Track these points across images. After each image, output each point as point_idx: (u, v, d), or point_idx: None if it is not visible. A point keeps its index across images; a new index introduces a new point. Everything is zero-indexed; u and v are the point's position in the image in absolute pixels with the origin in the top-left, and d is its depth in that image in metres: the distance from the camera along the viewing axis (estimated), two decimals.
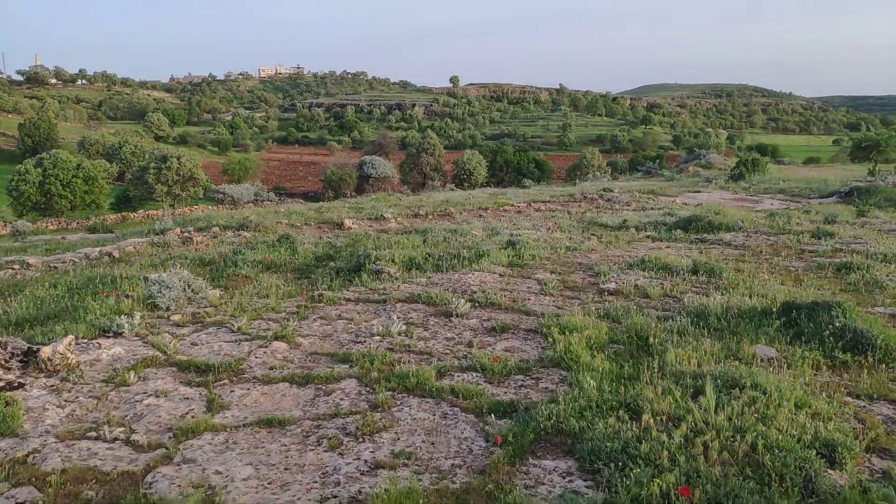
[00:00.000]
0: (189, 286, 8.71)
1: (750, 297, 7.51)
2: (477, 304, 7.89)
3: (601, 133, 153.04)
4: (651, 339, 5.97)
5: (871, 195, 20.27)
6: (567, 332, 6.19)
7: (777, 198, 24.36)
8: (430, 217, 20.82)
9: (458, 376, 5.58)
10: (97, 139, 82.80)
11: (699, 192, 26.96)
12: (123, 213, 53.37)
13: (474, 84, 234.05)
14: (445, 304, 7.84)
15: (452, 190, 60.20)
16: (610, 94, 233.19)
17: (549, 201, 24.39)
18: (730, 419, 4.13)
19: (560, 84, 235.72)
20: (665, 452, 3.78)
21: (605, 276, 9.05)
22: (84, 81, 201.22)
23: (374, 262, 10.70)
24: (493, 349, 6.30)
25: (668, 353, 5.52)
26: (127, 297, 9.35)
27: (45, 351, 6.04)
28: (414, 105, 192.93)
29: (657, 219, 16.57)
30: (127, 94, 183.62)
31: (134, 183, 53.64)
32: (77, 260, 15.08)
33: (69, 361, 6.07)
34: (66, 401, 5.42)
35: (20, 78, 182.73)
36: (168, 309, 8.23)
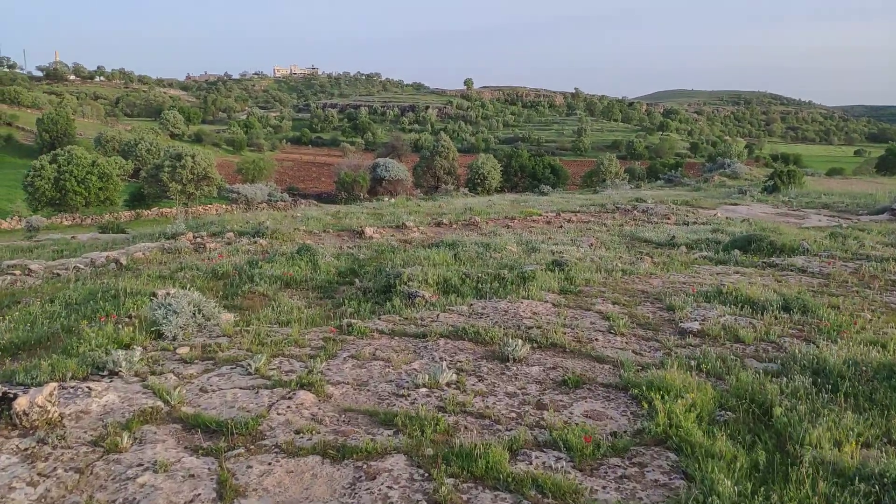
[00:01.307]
0: (199, 310, 7.58)
1: (865, 347, 6.25)
2: (535, 345, 6.68)
3: (617, 139, 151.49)
4: (776, 410, 4.74)
5: None
6: (664, 395, 4.97)
7: (822, 213, 22.99)
8: (455, 226, 19.66)
9: (537, 457, 4.37)
10: (113, 136, 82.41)
11: (737, 204, 25.62)
12: (137, 211, 52.76)
13: (488, 87, 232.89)
14: (498, 343, 6.65)
15: (467, 195, 59.03)
16: (626, 100, 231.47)
17: (578, 211, 23.15)
18: None
19: (575, 88, 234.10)
20: None
21: (679, 310, 7.81)
22: (102, 78, 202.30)
23: (405, 283, 9.54)
24: (571, 413, 5.09)
25: (805, 433, 4.30)
26: (129, 318, 8.25)
27: (21, 403, 4.91)
28: (427, 107, 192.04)
29: (706, 235, 15.30)
30: (144, 91, 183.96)
31: (148, 181, 52.85)
32: (82, 266, 14.05)
33: (50, 416, 4.93)
34: (40, 475, 4.28)
35: (40, 74, 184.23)
36: (174, 339, 7.09)
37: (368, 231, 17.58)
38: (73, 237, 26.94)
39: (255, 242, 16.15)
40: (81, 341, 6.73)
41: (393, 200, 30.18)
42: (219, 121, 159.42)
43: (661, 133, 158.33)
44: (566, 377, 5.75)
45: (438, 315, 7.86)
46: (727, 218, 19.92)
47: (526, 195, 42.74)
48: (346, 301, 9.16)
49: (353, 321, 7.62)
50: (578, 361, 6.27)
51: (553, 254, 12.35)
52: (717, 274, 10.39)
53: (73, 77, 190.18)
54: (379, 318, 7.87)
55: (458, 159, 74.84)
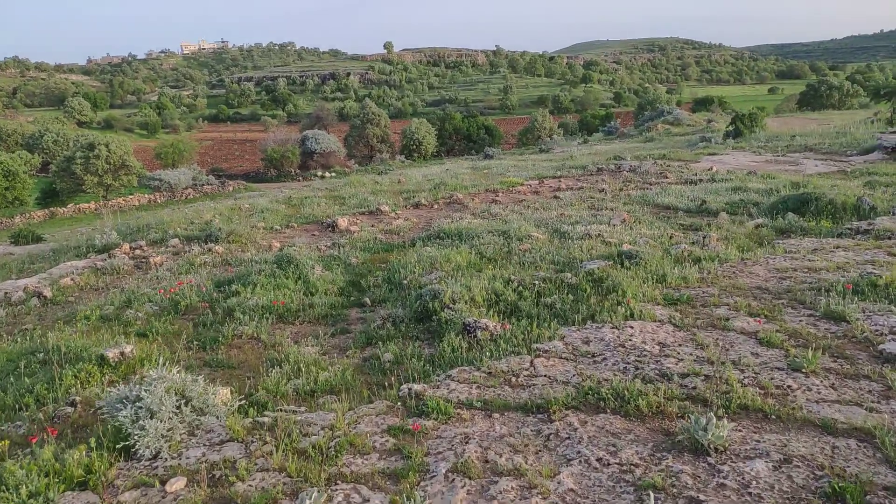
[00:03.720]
0: (185, 400, 5.00)
1: None
2: (719, 410, 4.45)
3: (542, 94, 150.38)
4: None
5: None
6: None
7: (810, 157, 21.68)
8: (436, 207, 17.20)
9: None
10: (15, 129, 74.94)
11: (715, 153, 24.04)
12: (51, 209, 47.64)
13: (409, 49, 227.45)
14: (662, 415, 4.41)
15: (404, 162, 56.23)
16: (547, 54, 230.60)
17: (559, 177, 21.05)
18: None
19: (496, 45, 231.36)
20: None
21: (852, 320, 5.77)
22: None
23: (448, 306, 7.17)
24: None
25: None
26: (73, 406, 5.66)
27: None
28: (349, 74, 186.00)
29: (733, 196, 13.44)
30: (43, 79, 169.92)
31: (60, 175, 47.69)
32: None
33: None
34: None
35: None
36: (156, 456, 4.55)
37: (342, 222, 14.93)
38: None
39: (210, 250, 13.31)
40: (4, 488, 4.11)
41: (347, 178, 27.31)
42: (128, 104, 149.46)
43: (584, 85, 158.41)
44: (828, 484, 3.58)
45: (532, 362, 5.54)
46: (727, 171, 18.20)
47: (477, 160, 40.28)
48: (378, 340, 6.73)
49: (416, 387, 5.21)
50: (803, 438, 4.11)
51: (593, 237, 10.17)
52: (815, 251, 8.46)
53: None
54: (448, 376, 5.48)
55: (390, 125, 71.84)
